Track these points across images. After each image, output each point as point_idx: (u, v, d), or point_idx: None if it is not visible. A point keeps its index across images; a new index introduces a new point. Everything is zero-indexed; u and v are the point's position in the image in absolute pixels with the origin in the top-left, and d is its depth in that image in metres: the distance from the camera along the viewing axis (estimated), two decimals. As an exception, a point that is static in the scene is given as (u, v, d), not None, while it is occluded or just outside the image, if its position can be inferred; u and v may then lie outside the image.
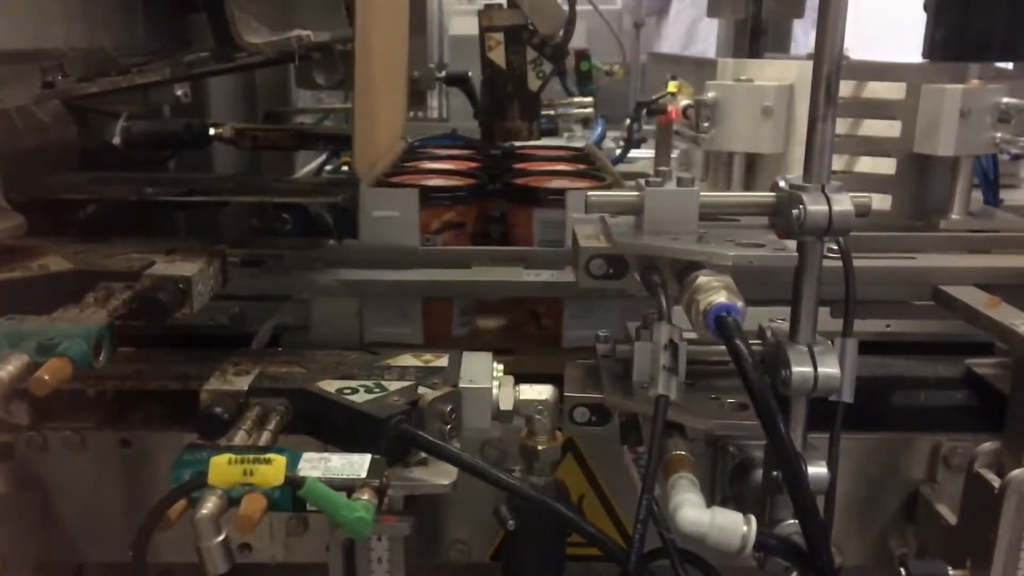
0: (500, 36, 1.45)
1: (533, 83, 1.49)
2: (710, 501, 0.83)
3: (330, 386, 0.91)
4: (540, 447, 0.96)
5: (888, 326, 1.21)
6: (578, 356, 1.06)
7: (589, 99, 2.35)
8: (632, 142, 2.36)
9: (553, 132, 2.32)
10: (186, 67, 1.19)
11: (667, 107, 2.25)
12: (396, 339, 1.13)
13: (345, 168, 1.96)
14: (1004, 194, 1.54)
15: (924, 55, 1.42)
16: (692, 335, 0.86)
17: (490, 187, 1.33)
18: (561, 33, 1.48)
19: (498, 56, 1.45)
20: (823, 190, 0.82)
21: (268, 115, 2.32)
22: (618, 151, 2.35)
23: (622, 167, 2.34)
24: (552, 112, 2.17)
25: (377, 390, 0.90)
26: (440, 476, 0.87)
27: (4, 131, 1.12)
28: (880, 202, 1.40)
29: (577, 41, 1.74)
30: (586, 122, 2.44)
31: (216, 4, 0.95)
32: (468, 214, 1.26)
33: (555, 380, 1.00)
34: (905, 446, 1.07)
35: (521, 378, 0.98)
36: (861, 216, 0.83)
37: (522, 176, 1.39)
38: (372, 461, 0.77)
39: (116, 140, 1.55)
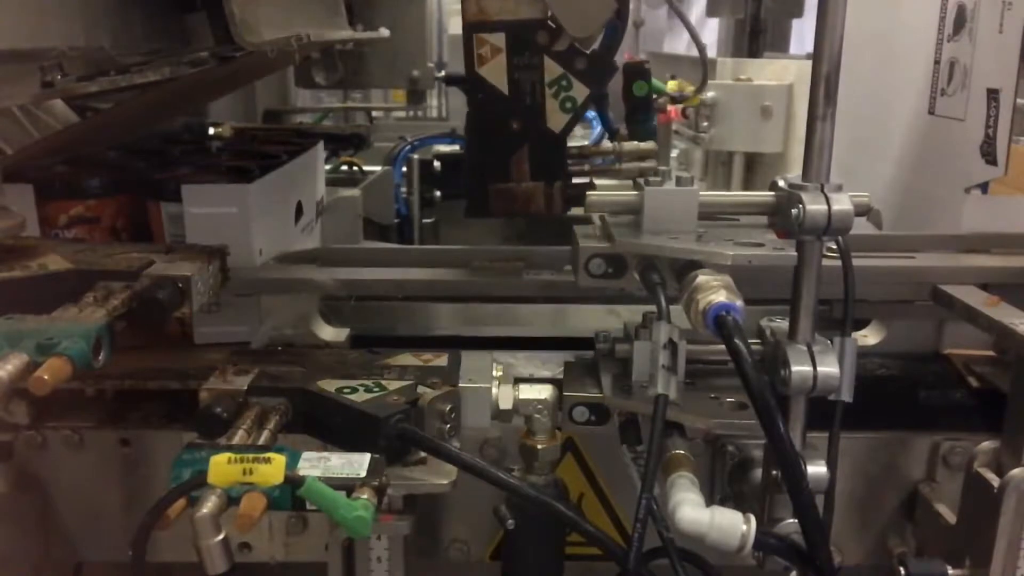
0: (498, 39, 0.88)
1: (556, 119, 0.90)
2: (709, 500, 0.84)
3: (329, 385, 0.91)
4: (539, 446, 0.96)
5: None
6: (209, 352, 1.07)
7: (650, 145, 1.26)
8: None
9: (580, 200, 1.28)
10: (187, 66, 1.19)
11: (667, 106, 2.26)
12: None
13: (344, 167, 1.97)
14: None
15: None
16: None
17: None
18: (602, 36, 0.91)
19: (495, 72, 0.87)
20: (822, 189, 0.82)
21: (267, 114, 2.32)
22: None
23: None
24: (585, 166, 1.19)
25: (376, 389, 0.90)
26: (439, 475, 0.87)
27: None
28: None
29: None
30: (644, 177, 1.52)
31: (216, 3, 0.95)
32: (103, 208, 1.17)
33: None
34: (904, 445, 1.07)
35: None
36: (860, 215, 0.83)
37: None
38: (371, 460, 0.77)
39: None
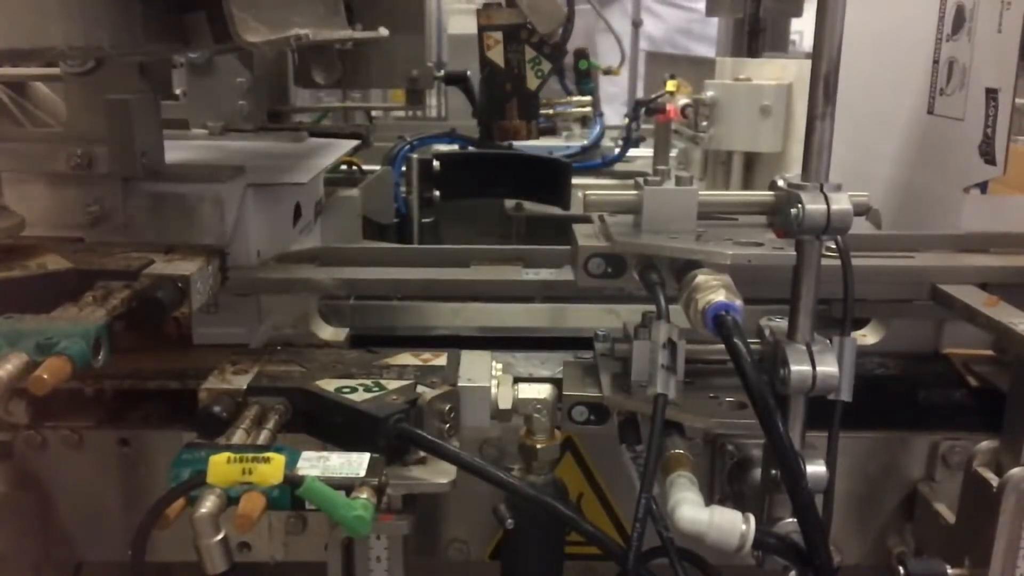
0: (499, 35, 1.46)
1: (532, 82, 1.50)
2: (709, 500, 0.84)
3: (329, 385, 0.91)
4: (539, 446, 0.96)
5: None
6: (208, 352, 1.07)
7: (588, 98, 2.40)
8: (631, 141, 2.37)
9: (551, 131, 2.34)
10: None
11: (666, 106, 2.26)
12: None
13: (344, 167, 1.96)
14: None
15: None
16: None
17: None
18: (560, 32, 1.49)
19: (497, 55, 1.47)
20: (822, 189, 0.82)
21: (267, 114, 2.32)
22: (617, 150, 2.36)
23: (621, 166, 2.35)
24: (550, 111, 2.21)
25: (376, 389, 0.90)
26: (439, 475, 0.87)
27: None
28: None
29: (576, 40, 1.73)
30: (584, 121, 2.50)
31: (215, 2, 0.95)
32: None
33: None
34: (903, 445, 1.07)
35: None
36: (859, 215, 0.83)
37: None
38: (371, 460, 0.77)
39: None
